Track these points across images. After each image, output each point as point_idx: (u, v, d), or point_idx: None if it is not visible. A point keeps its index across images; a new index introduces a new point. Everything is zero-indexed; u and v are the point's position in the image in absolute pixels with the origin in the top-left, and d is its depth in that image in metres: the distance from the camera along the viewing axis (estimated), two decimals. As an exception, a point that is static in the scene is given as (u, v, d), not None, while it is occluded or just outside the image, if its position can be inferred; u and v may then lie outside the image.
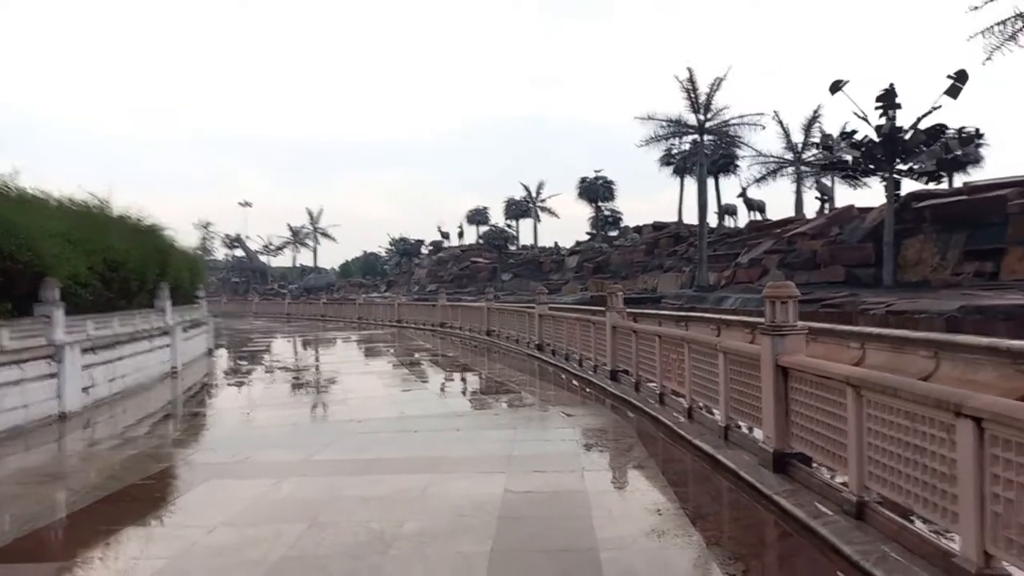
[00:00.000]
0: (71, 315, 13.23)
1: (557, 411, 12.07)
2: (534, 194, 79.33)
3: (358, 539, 5.64)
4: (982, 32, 24.76)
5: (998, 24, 24.35)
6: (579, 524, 5.90)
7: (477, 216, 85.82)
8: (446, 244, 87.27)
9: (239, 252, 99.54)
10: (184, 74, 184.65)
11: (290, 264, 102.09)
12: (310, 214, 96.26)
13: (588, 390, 14.00)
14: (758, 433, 7.45)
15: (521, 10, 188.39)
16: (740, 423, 8.11)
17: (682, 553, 5.28)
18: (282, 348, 29.95)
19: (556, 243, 74.83)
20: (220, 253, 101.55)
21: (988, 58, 25.01)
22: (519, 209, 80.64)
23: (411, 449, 9.33)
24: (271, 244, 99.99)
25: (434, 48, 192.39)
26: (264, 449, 9.50)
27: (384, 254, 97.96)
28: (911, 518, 4.89)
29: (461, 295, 49.89)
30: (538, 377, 16.80)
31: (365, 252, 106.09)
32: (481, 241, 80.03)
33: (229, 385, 18.47)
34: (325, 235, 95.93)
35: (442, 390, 16.08)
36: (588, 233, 72.32)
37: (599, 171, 70.90)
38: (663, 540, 5.52)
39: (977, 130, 33.43)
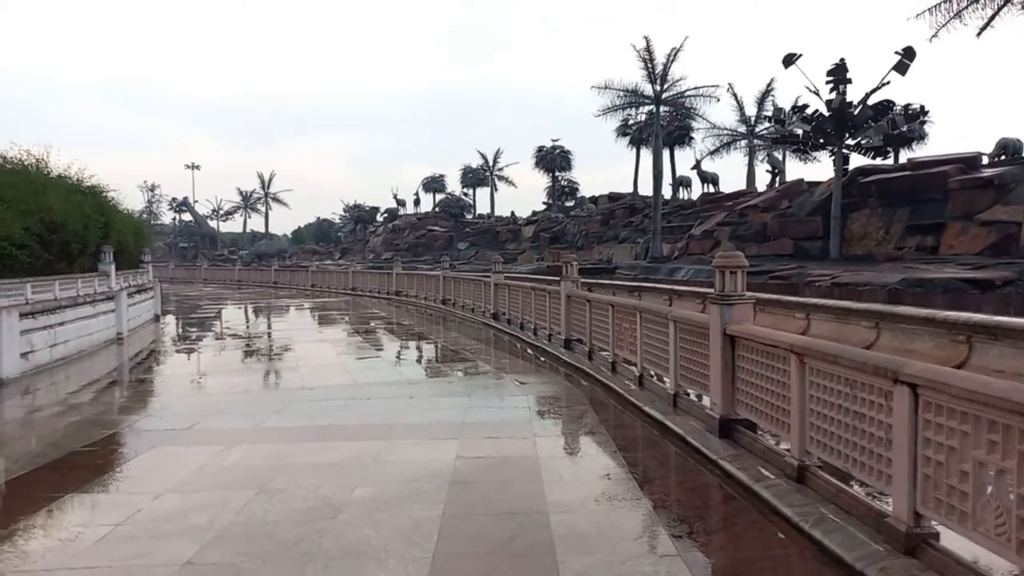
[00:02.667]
0: (6, 278, 12.70)
1: (511, 379, 12.15)
2: (491, 163, 78.86)
3: (308, 505, 5.62)
4: (929, 9, 25.31)
5: (944, 2, 24.90)
6: (530, 488, 5.98)
7: (433, 184, 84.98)
8: (402, 212, 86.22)
9: (187, 216, 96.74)
10: (131, 35, 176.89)
11: (241, 230, 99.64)
12: (261, 178, 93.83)
13: (542, 359, 14.12)
14: (706, 400, 7.63)
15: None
16: (689, 391, 8.29)
17: (629, 516, 5.40)
18: (232, 315, 29.37)
19: (513, 213, 74.75)
20: (167, 217, 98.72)
21: (934, 35, 25.63)
22: (476, 178, 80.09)
23: (364, 416, 9.29)
24: (220, 209, 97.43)
25: (391, 10, 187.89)
26: (213, 416, 9.35)
27: (338, 221, 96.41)
28: (850, 482, 5.08)
29: (417, 264, 49.57)
30: (493, 346, 16.85)
31: (319, 219, 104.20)
32: (437, 209, 79.44)
33: (177, 352, 18.06)
34: (277, 200, 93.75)
35: (396, 358, 16.01)
36: (545, 203, 72.39)
37: (556, 140, 70.86)
38: (612, 503, 5.64)
39: (922, 107, 34.44)
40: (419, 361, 15.87)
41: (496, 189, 79.34)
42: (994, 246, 23.74)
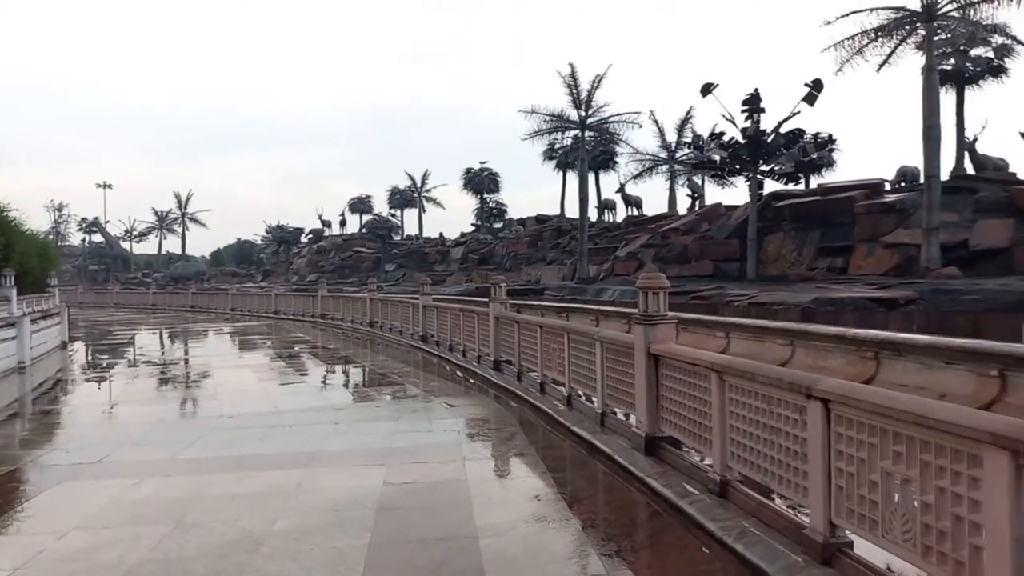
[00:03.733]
0: None
1: (440, 402, 12.04)
2: (419, 184, 78.59)
3: (226, 539, 5.38)
4: (834, 45, 26.91)
5: (847, 39, 26.54)
6: (459, 513, 5.92)
7: (360, 205, 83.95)
8: (327, 233, 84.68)
9: (98, 238, 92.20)
10: (41, 46, 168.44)
11: (156, 251, 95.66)
12: (178, 198, 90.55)
13: (472, 380, 14.06)
14: (632, 419, 7.76)
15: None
16: (616, 409, 8.41)
17: (559, 536, 5.41)
18: (147, 341, 28.06)
19: (441, 234, 74.62)
20: (76, 238, 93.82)
21: (839, 69, 27.23)
22: (404, 199, 79.64)
23: (286, 444, 9.00)
24: (134, 230, 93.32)
25: (318, 27, 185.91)
26: (125, 448, 8.87)
27: (260, 242, 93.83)
28: (772, 496, 5.25)
29: (343, 286, 48.70)
30: (422, 368, 16.68)
31: (240, 240, 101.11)
32: (364, 231, 78.42)
33: (87, 380, 17.10)
34: (195, 221, 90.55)
35: (321, 383, 15.63)
36: (473, 224, 72.59)
37: (484, 163, 71.29)
38: (541, 525, 5.63)
39: (830, 135, 36.40)
40: (345, 386, 15.54)
41: (424, 210, 79.14)
42: (897, 267, 25.20)
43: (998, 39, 30.40)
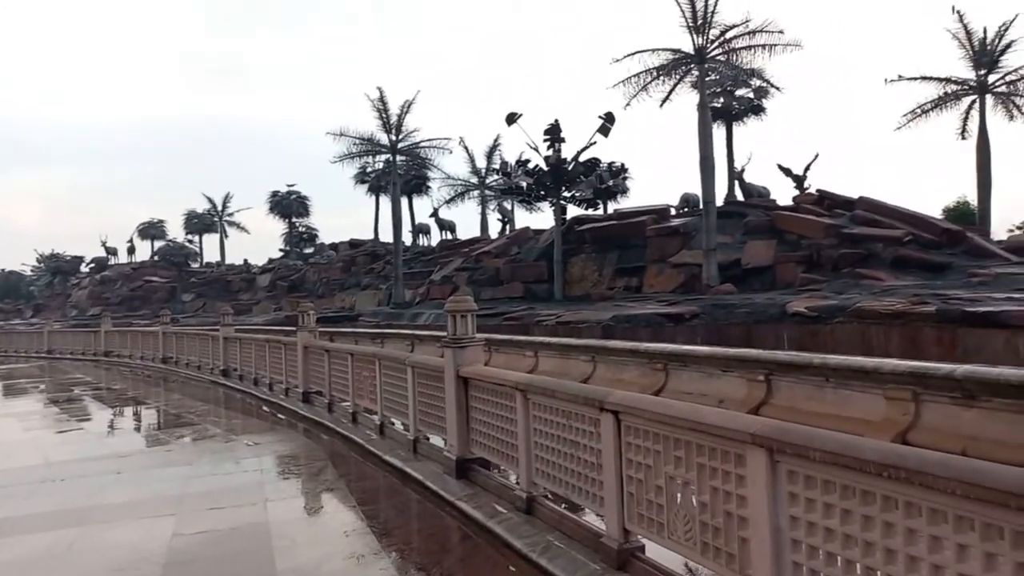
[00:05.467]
0: None
1: (241, 441, 11.25)
2: (220, 207, 73.76)
3: (-27, 621, 4.60)
4: (622, 82, 29.26)
5: (634, 76, 28.99)
6: (258, 558, 5.53)
7: (152, 230, 76.92)
8: (113, 261, 76.49)
9: None
10: None
11: None
12: (-78, 224, 77.63)
13: (279, 415, 13.34)
14: (444, 443, 7.75)
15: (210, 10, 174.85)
16: (429, 435, 8.36)
17: (367, 571, 5.24)
18: None
19: (246, 261, 70.34)
20: None
21: (627, 104, 29.63)
22: (203, 223, 74.23)
23: (57, 501, 7.91)
24: None
25: (106, 28, 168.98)
26: None
27: (31, 273, 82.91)
28: (579, 510, 5.46)
29: (133, 319, 44.28)
30: (223, 405, 15.54)
31: (4, 271, 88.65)
32: (157, 258, 71.98)
33: None
34: (-55, 250, 78.09)
35: (105, 429, 13.99)
36: (282, 250, 69.35)
37: (292, 186, 68.51)
38: (349, 561, 5.42)
39: (623, 164, 39.22)
40: (134, 430, 14.05)
41: (227, 235, 74.24)
42: (684, 284, 27.70)
43: (757, 82, 34.86)
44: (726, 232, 28.21)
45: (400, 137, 40.99)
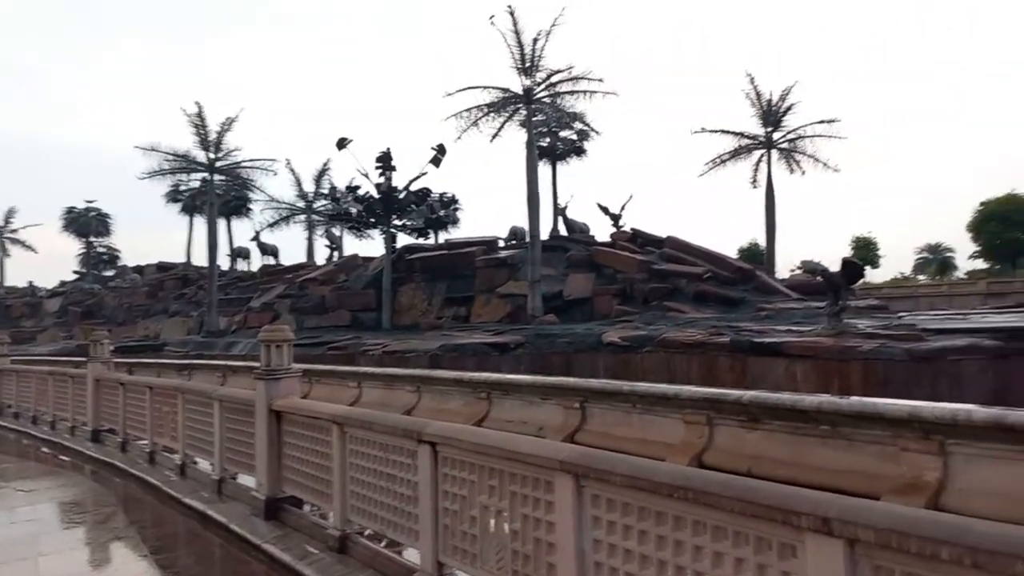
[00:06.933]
0: None
1: (13, 488, 9.83)
2: (1, 223, 65.18)
3: None
4: (455, 115, 29.83)
5: (466, 110, 29.66)
6: (23, 626, 4.81)
7: (-94, 248, 66.28)
8: None
9: None
10: None
11: None
12: None
13: (63, 457, 11.85)
14: (253, 482, 7.26)
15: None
16: (237, 474, 7.80)
17: (157, 630, 4.73)
18: None
19: (31, 283, 62.52)
20: None
21: (459, 137, 30.21)
22: (-23, 241, 65.16)
23: None
24: None
25: None
26: None
27: None
28: (398, 547, 5.29)
29: None
30: (-9, 447, 13.53)
31: None
32: (-85, 279, 62.02)
33: None
34: None
35: None
36: (76, 272, 62.42)
37: (92, 202, 62.27)
38: (136, 620, 4.87)
39: (453, 196, 39.76)
40: None
41: (8, 255, 65.67)
42: (510, 315, 28.41)
43: (579, 125, 36.96)
44: (550, 264, 29.39)
45: (219, 155, 38.72)
